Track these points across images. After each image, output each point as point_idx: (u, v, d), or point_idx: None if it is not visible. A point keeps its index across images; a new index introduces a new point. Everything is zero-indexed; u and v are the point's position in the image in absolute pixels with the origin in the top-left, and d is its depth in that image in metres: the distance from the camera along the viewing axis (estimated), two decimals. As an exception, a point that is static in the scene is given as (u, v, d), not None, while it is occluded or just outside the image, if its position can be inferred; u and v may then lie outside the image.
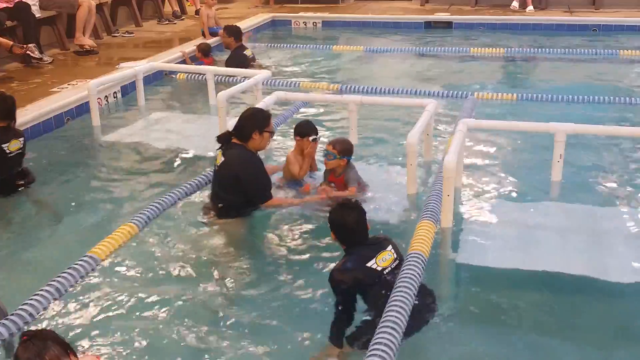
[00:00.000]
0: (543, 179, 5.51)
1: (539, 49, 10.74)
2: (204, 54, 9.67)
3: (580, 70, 9.82)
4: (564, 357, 3.56)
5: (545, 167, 5.52)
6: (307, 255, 4.48)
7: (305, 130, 5.44)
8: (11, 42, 8.59)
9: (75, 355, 2.67)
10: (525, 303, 3.98)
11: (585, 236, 4.61)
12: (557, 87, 8.40)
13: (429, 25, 12.77)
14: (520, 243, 4.52)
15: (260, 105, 6.12)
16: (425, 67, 10.18)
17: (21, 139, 5.52)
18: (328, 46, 11.11)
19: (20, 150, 5.50)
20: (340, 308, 3.64)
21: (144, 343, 3.61)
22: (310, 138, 5.40)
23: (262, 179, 4.90)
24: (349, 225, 3.76)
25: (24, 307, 3.69)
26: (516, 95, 7.93)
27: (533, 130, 5.96)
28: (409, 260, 3.91)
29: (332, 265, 3.75)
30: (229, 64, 9.22)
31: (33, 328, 3.46)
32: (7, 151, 5.39)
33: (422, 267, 3.90)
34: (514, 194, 5.36)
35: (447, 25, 12.69)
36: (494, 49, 10.62)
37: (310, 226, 4.81)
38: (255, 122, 4.86)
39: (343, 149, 5.12)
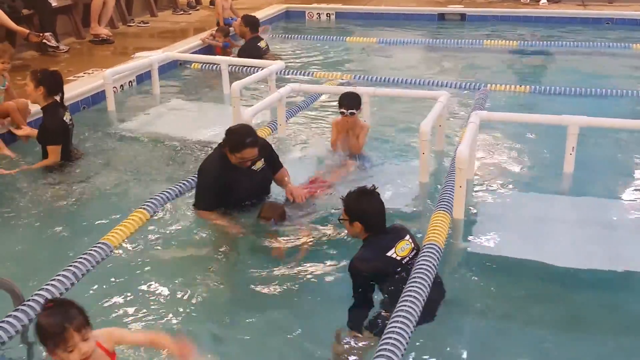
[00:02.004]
0: (555, 171, 5.53)
1: (552, 42, 10.70)
2: (225, 34, 9.93)
3: (594, 63, 9.80)
4: (575, 347, 3.60)
5: (558, 159, 5.53)
6: (321, 244, 4.48)
7: (340, 101, 5.49)
8: (27, 31, 8.63)
9: (91, 328, 2.73)
10: (536, 294, 4.02)
11: (597, 228, 4.62)
12: (570, 80, 8.39)
13: (443, 17, 12.78)
14: (532, 234, 4.54)
15: (274, 96, 6.17)
16: (438, 59, 10.20)
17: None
18: (342, 37, 11.13)
19: (71, 122, 5.91)
20: (358, 296, 3.66)
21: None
22: (340, 110, 5.43)
23: (203, 189, 4.76)
24: (369, 210, 3.75)
25: (40, 292, 3.70)
26: (529, 88, 7.93)
27: (546, 122, 5.96)
28: (425, 251, 3.93)
29: (346, 252, 3.78)
30: (241, 54, 9.28)
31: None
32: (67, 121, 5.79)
33: (438, 258, 3.92)
34: (526, 186, 5.39)
35: (461, 17, 12.71)
36: (507, 41, 10.61)
37: (325, 214, 4.81)
38: (229, 140, 4.67)
39: (281, 214, 4.67)
